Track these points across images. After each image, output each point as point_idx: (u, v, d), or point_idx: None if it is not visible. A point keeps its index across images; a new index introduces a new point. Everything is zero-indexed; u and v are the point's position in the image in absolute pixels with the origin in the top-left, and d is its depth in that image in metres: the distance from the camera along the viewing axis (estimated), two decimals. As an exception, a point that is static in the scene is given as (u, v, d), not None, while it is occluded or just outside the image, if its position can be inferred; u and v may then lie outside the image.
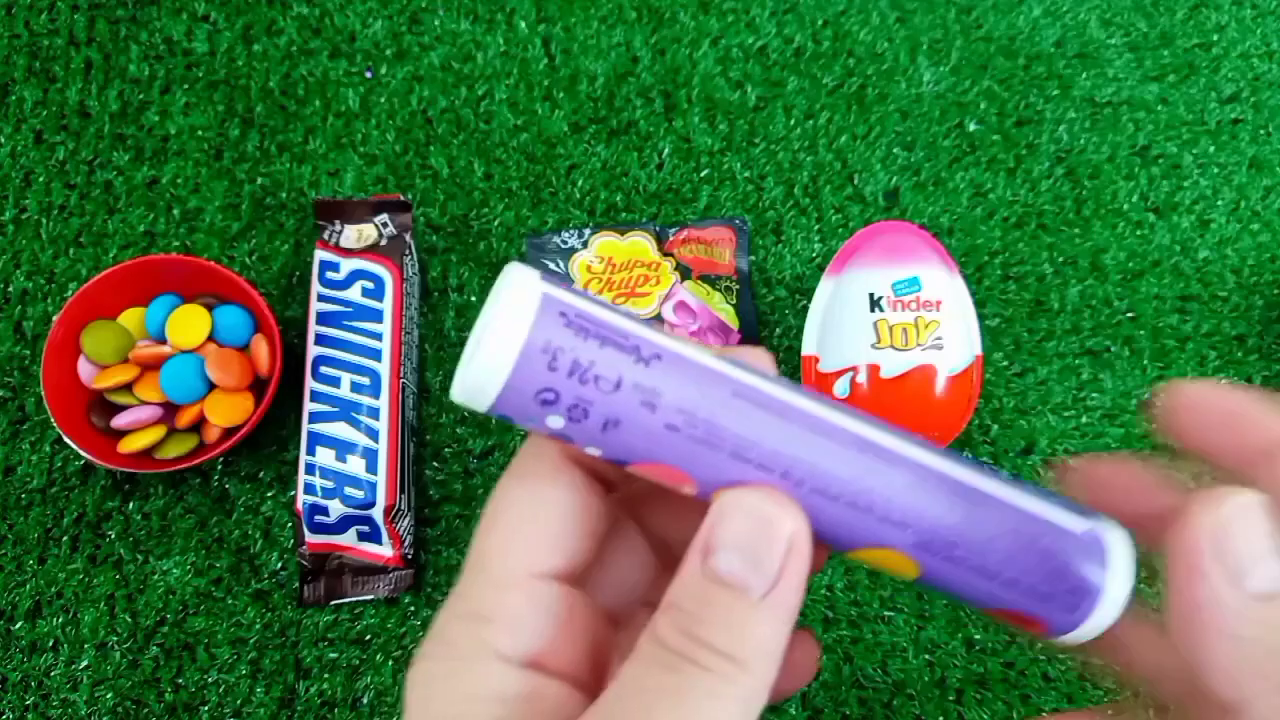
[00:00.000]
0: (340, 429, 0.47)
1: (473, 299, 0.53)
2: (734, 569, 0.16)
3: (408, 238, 0.51)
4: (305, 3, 0.58)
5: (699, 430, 0.17)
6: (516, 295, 0.17)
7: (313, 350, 0.49)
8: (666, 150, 0.55)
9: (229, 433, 0.48)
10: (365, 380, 0.48)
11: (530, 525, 0.18)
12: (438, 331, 0.53)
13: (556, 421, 0.17)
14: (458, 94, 0.56)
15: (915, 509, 0.18)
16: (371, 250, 0.51)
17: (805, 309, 0.51)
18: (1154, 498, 0.19)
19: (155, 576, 0.49)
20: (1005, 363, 0.53)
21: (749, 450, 0.17)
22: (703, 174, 0.55)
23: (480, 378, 0.17)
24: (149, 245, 0.54)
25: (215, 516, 0.50)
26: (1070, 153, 0.56)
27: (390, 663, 0.48)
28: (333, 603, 0.48)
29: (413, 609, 0.49)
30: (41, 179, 0.55)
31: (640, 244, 0.53)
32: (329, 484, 0.47)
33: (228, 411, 0.48)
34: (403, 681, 0.46)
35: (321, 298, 0.50)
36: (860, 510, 0.18)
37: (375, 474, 0.46)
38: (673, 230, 0.54)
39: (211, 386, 0.48)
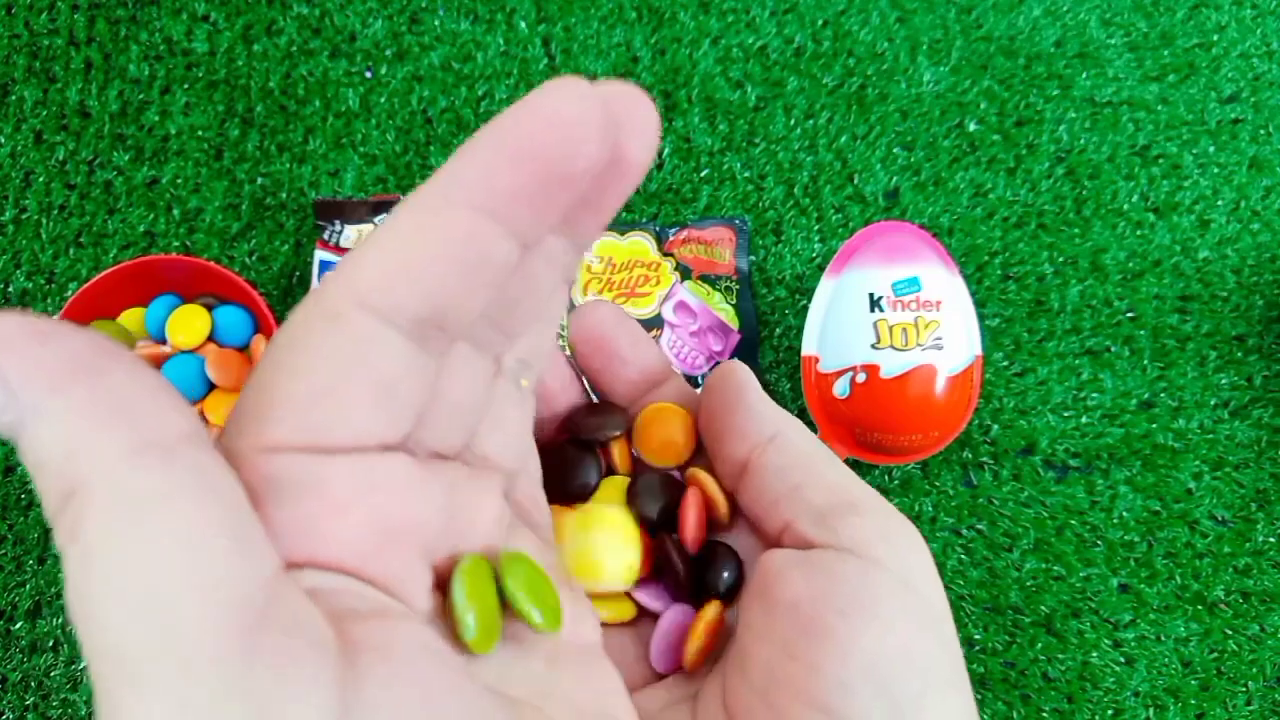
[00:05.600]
0: (340, 429, 0.47)
1: (473, 299, 0.53)
2: None
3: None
4: (305, 3, 0.58)
5: None
6: None
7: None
8: (666, 150, 0.55)
9: (229, 433, 0.48)
10: (365, 380, 0.48)
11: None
12: (438, 331, 0.53)
13: None
14: (458, 94, 0.56)
15: None
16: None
17: (805, 309, 0.51)
18: None
19: (155, 576, 0.49)
20: (1005, 363, 0.53)
21: None
22: (703, 174, 0.55)
23: None
24: (149, 245, 0.54)
25: (215, 516, 0.50)
26: (1070, 153, 0.56)
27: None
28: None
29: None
30: (41, 179, 0.55)
31: (640, 244, 0.53)
32: (329, 484, 0.46)
33: (228, 412, 0.48)
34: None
35: (321, 298, 0.50)
36: None
37: (375, 474, 0.46)
38: (673, 230, 0.54)
39: (212, 387, 0.48)
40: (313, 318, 0.13)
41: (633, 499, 0.22)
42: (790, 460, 0.20)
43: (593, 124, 0.13)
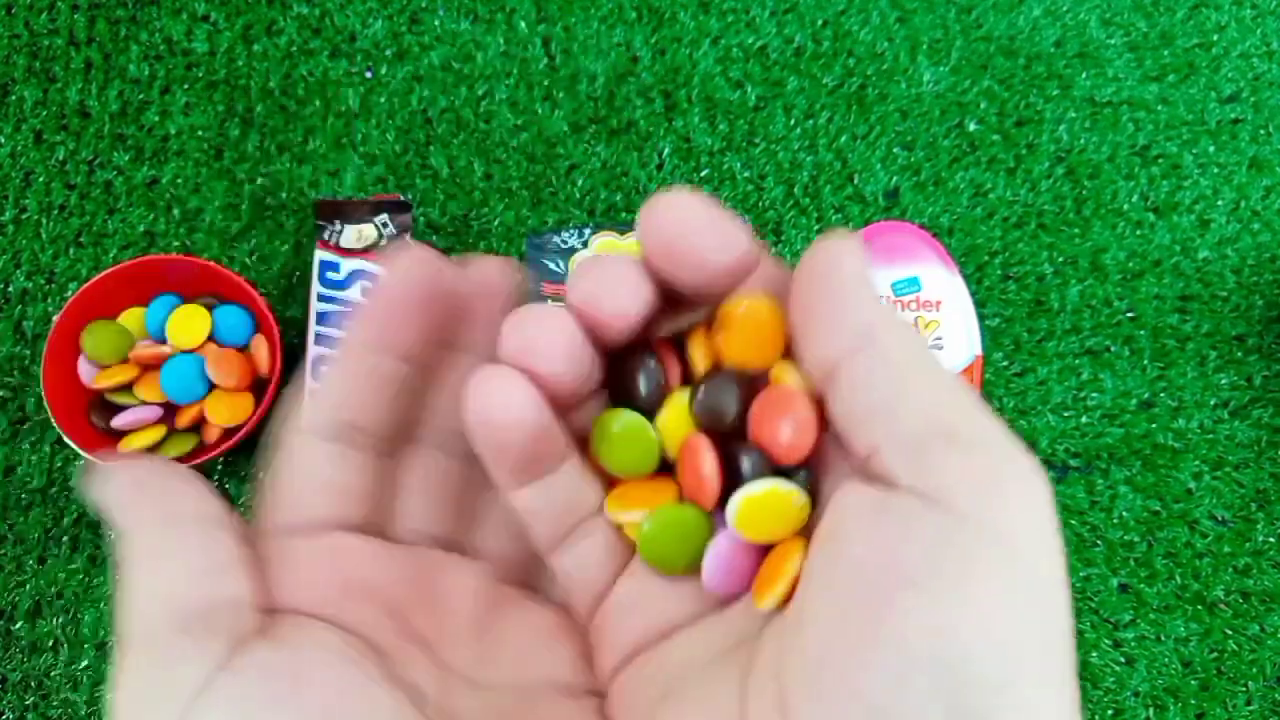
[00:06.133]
0: (340, 429, 0.47)
1: (473, 299, 0.53)
2: None
3: (408, 238, 0.51)
4: (305, 3, 0.58)
5: None
6: None
7: (313, 350, 0.49)
8: (666, 150, 0.55)
9: (229, 433, 0.48)
10: (365, 380, 0.48)
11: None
12: (438, 331, 0.53)
13: None
14: (458, 94, 0.56)
15: None
16: (372, 250, 0.51)
17: (805, 309, 0.51)
18: None
19: (155, 576, 0.49)
20: (1005, 363, 0.53)
21: None
22: (703, 174, 0.55)
23: None
24: (149, 245, 0.54)
25: (215, 516, 0.50)
26: (1070, 153, 0.56)
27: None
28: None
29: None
30: (41, 179, 0.55)
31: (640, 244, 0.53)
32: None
33: (228, 412, 0.48)
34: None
35: (322, 298, 0.50)
36: None
37: (375, 474, 0.46)
38: (673, 230, 0.54)
39: (212, 386, 0.48)
40: (278, 448, 0.19)
41: (694, 403, 0.18)
42: (885, 368, 0.15)
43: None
